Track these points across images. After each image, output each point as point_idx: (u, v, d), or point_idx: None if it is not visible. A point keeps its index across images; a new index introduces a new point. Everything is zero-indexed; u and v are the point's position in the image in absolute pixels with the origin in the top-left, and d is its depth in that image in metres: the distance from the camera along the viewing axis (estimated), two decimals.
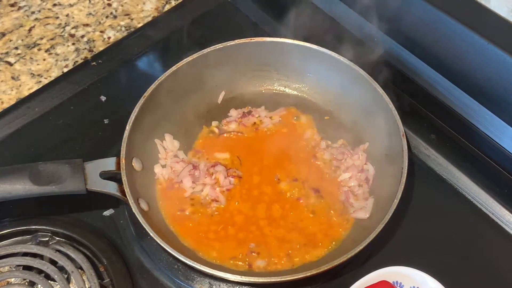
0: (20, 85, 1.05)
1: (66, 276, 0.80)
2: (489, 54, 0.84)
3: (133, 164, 0.86)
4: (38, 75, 1.06)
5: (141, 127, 0.89)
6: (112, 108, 1.00)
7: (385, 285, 0.75)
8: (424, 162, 0.94)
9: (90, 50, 1.10)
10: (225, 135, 0.96)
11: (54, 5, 1.17)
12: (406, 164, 0.82)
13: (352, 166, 0.91)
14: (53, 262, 0.81)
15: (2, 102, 1.02)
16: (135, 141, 0.87)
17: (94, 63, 1.07)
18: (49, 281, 0.79)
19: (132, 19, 1.15)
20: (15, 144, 0.96)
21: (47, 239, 0.84)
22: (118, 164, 0.83)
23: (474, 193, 0.90)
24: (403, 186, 0.81)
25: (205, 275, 0.82)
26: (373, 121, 0.91)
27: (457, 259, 0.84)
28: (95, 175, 0.82)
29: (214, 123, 0.97)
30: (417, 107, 0.98)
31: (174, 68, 0.93)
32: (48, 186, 0.79)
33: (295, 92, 1.01)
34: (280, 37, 0.97)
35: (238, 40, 0.96)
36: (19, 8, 1.17)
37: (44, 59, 1.09)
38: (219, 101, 1.00)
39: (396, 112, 0.87)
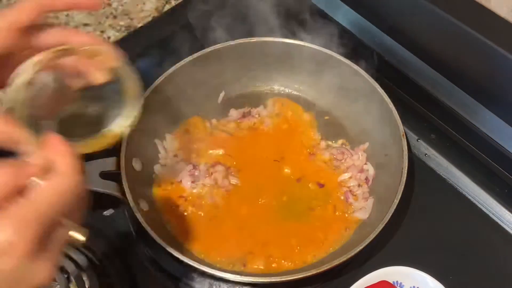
0: None
1: (66, 276, 0.80)
2: (489, 54, 0.84)
3: (133, 164, 0.86)
4: None
5: (141, 127, 0.88)
6: None
7: (385, 285, 0.75)
8: (424, 162, 0.94)
9: None
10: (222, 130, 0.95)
11: None
12: (406, 164, 0.82)
13: (352, 166, 0.91)
14: None
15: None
16: (135, 141, 0.87)
17: None
18: None
19: (132, 19, 1.15)
20: None
21: None
22: (118, 164, 0.83)
23: (474, 193, 0.90)
24: (403, 186, 0.80)
25: (205, 275, 0.82)
26: (373, 121, 0.91)
27: (457, 259, 0.84)
28: (95, 175, 0.82)
29: (214, 121, 0.97)
30: (417, 107, 0.98)
31: (174, 68, 0.92)
32: None
33: (295, 92, 1.01)
34: (280, 37, 0.97)
35: (238, 40, 0.96)
36: None
37: None
38: (219, 101, 1.00)
39: (396, 112, 0.87)
